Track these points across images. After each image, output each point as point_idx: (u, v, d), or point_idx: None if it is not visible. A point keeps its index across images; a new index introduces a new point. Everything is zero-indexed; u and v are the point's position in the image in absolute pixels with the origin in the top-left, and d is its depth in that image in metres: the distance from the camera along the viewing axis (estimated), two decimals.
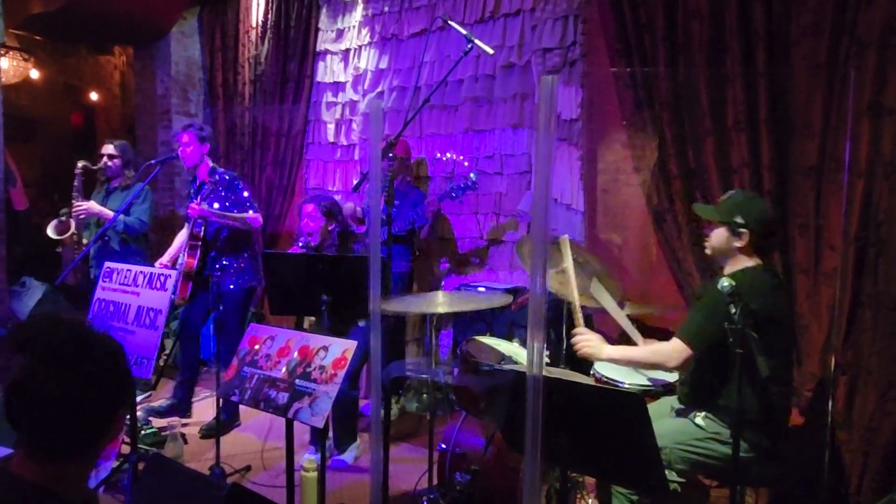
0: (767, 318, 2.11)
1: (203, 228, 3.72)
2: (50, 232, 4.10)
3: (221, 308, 3.70)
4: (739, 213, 2.25)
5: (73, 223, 4.07)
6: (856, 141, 2.68)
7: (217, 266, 3.81)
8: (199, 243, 3.73)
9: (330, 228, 3.41)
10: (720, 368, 2.17)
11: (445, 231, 4.39)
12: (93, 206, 4.03)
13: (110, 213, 3.97)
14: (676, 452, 2.18)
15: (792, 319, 2.79)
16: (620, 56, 3.36)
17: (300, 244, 3.57)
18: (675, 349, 2.21)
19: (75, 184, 4.08)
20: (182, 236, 3.99)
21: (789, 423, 2.38)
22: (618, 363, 2.41)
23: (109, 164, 4.12)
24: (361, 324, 3.37)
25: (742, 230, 2.25)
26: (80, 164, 4.11)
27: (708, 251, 2.40)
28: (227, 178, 3.76)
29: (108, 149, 4.14)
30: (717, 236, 2.33)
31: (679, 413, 2.36)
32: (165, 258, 3.95)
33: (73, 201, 4.04)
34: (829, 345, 2.78)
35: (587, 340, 2.33)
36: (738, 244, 2.27)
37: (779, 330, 2.19)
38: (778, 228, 2.48)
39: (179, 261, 3.71)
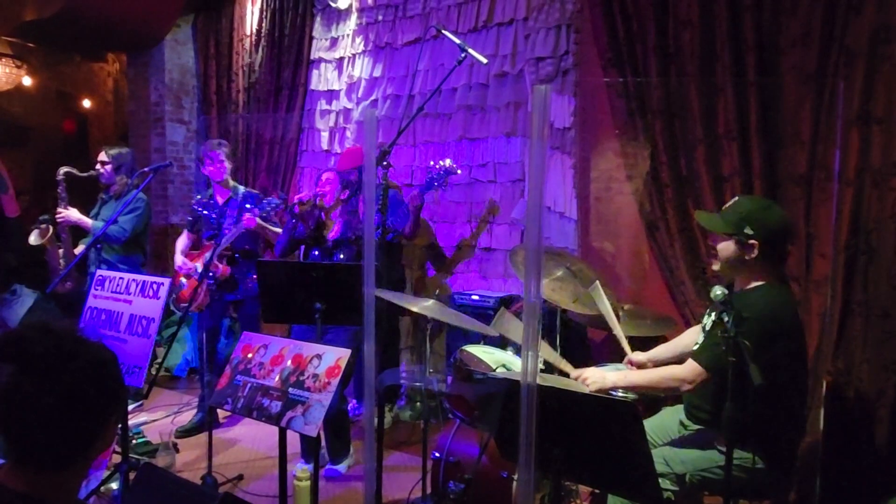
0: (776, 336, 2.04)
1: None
2: (32, 240, 4.07)
3: (242, 311, 3.96)
4: (748, 224, 2.10)
5: (51, 229, 4.04)
6: (845, 150, 2.71)
7: (244, 270, 3.91)
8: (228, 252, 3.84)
9: (342, 197, 3.49)
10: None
11: (429, 236, 4.39)
12: (72, 214, 4.01)
13: (90, 222, 3.99)
14: (697, 476, 2.15)
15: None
16: (612, 65, 3.39)
17: (306, 195, 3.57)
18: (691, 371, 2.12)
19: (59, 190, 4.04)
20: (183, 243, 4.04)
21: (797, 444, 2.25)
22: (627, 390, 2.32)
23: (102, 171, 4.09)
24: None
25: (752, 241, 2.09)
26: (63, 170, 4.03)
27: (715, 267, 2.24)
28: (253, 196, 3.90)
29: (101, 155, 4.13)
30: (725, 249, 2.17)
31: (698, 436, 2.28)
32: (186, 262, 3.94)
33: (57, 208, 4.02)
34: (820, 353, 2.80)
35: (587, 380, 2.28)
36: (748, 256, 2.11)
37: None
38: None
39: (202, 267, 3.72)
